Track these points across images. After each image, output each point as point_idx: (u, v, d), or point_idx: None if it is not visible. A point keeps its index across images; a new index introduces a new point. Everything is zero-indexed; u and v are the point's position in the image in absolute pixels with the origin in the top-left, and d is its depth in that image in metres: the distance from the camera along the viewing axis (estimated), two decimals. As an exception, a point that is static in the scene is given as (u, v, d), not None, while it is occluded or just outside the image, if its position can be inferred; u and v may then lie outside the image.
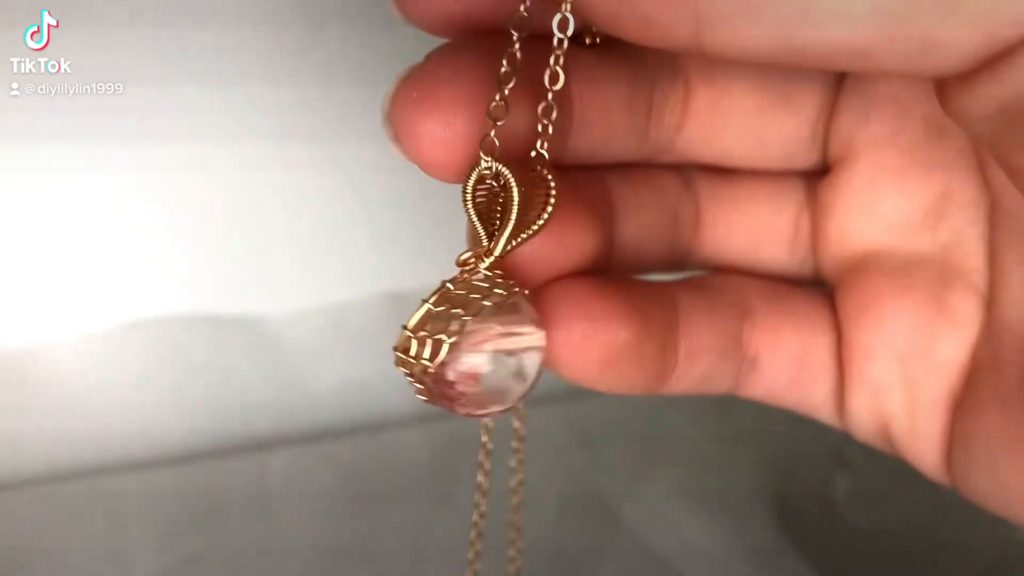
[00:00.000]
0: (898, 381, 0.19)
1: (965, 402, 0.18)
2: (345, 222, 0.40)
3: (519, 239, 0.16)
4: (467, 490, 0.40)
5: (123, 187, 0.36)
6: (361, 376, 0.41)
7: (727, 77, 0.19)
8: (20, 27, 0.32)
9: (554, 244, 0.17)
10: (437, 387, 0.16)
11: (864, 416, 0.20)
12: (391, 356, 0.17)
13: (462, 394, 0.16)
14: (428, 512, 0.38)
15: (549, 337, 0.17)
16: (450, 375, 0.16)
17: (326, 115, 0.38)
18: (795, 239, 0.21)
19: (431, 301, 0.16)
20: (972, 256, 0.18)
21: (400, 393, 0.43)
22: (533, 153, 0.16)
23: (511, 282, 0.17)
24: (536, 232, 0.16)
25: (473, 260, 0.16)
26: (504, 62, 0.15)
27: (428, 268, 0.22)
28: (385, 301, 0.41)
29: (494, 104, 0.15)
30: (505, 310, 0.16)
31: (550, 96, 0.16)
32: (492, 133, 0.15)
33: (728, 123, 0.19)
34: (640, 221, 0.19)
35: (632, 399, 0.47)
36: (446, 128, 0.15)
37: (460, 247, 0.17)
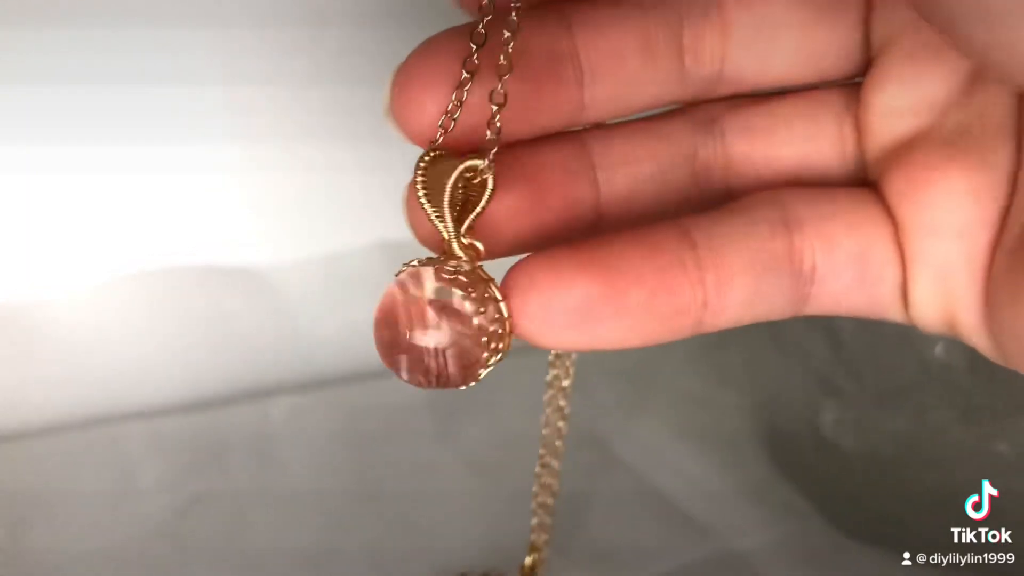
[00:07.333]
0: (961, 256, 0.18)
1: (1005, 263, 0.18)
2: (338, 174, 0.40)
3: (468, 221, 0.17)
4: (465, 431, 0.41)
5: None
6: (358, 323, 0.41)
7: None
8: (20, 27, 0.32)
9: (526, 209, 0.18)
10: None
11: (930, 304, 0.19)
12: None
13: (426, 367, 0.17)
14: (428, 453, 0.39)
15: (512, 314, 0.17)
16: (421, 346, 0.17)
17: (326, 115, 0.38)
18: (843, 146, 0.20)
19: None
20: (1002, 116, 0.18)
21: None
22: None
23: (470, 258, 0.17)
24: (480, 212, 0.17)
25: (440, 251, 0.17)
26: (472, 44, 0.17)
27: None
28: (378, 250, 0.41)
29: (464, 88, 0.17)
30: (471, 287, 0.17)
31: (499, 84, 0.17)
32: (457, 114, 0.17)
33: (776, 44, 0.19)
34: (632, 173, 0.20)
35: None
36: (423, 112, 0.17)
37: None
